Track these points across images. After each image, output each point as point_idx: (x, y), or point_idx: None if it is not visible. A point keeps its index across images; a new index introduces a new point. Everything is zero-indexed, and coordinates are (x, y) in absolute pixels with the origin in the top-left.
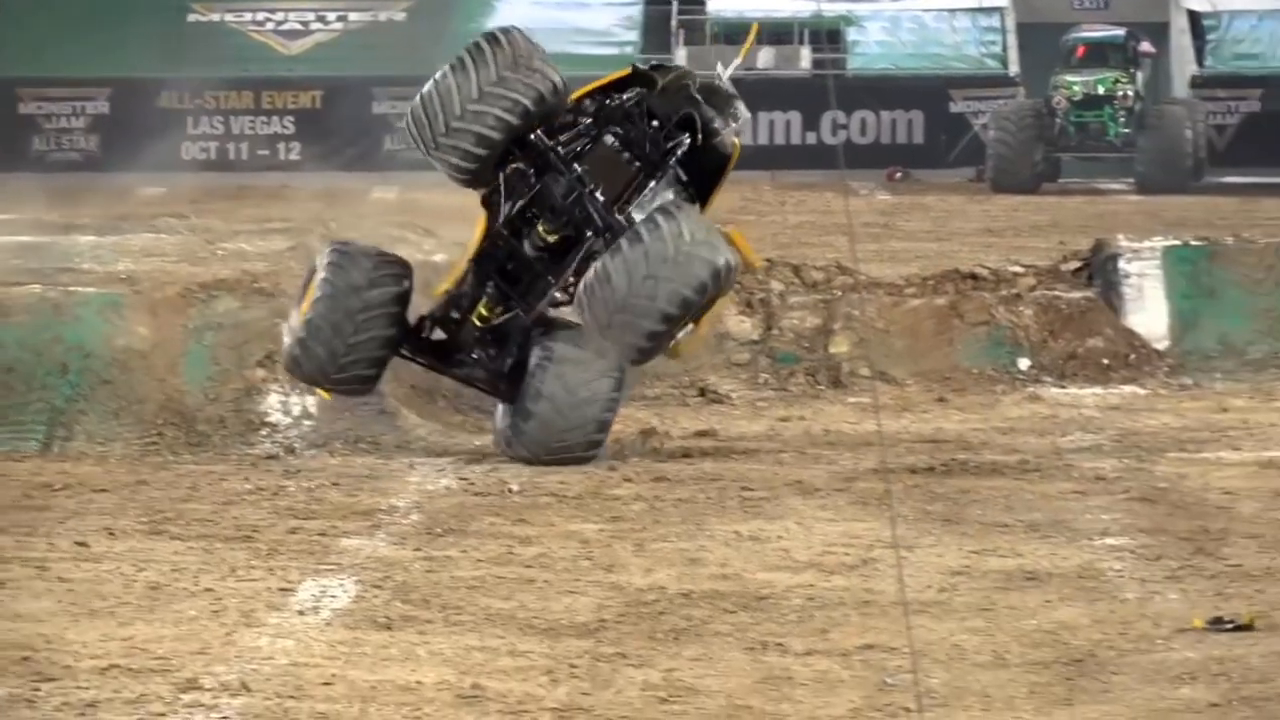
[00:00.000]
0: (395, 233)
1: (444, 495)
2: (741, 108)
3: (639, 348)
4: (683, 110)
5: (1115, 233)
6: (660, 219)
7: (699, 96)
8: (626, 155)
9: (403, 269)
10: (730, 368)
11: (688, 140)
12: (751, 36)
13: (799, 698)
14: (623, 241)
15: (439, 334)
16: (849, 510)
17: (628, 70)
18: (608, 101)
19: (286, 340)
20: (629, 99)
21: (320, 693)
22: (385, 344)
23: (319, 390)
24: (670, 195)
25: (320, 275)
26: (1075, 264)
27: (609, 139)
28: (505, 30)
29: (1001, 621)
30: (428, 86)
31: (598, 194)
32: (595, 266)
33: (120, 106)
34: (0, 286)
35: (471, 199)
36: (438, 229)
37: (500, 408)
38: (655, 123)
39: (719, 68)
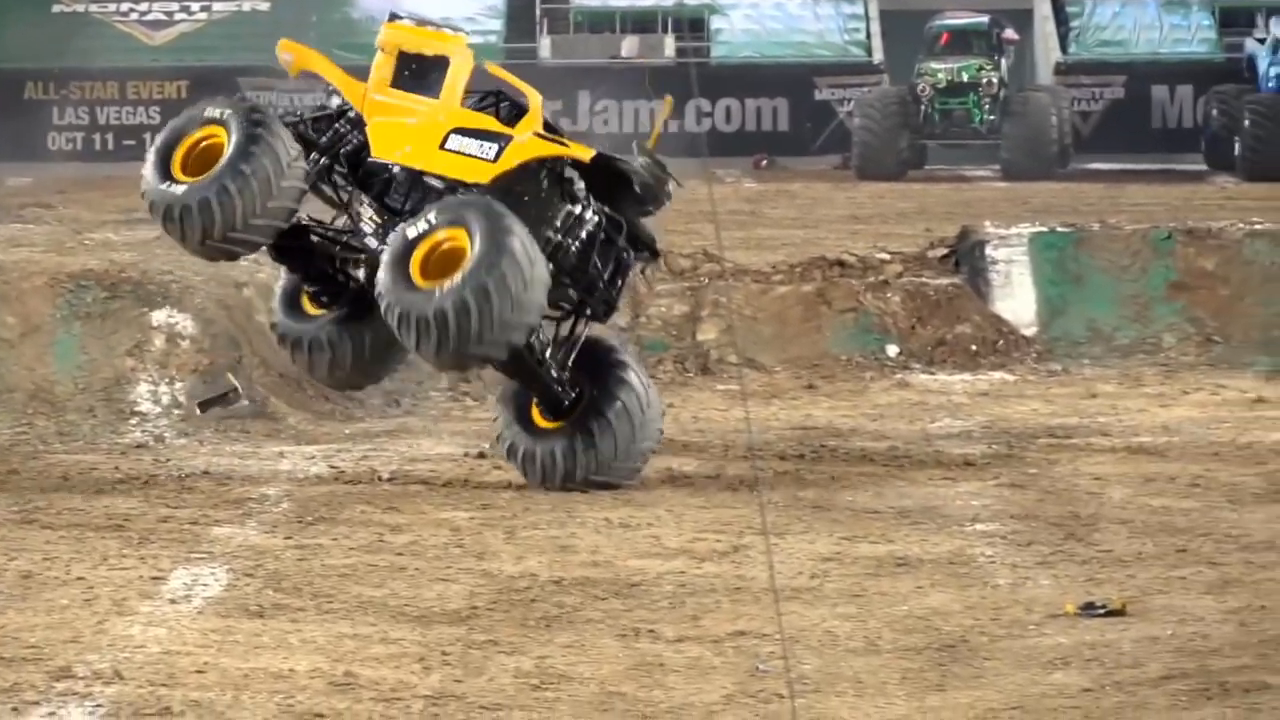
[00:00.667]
0: None
1: (314, 483)
2: (672, 186)
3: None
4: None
5: (982, 219)
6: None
7: (641, 197)
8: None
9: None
10: None
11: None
12: (666, 110)
13: (671, 684)
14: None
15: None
16: (719, 497)
17: (589, 154)
18: (576, 212)
19: (173, 191)
20: (597, 222)
21: (193, 680)
22: (288, 217)
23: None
24: None
25: (242, 135)
26: (942, 251)
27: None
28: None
29: (873, 608)
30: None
31: None
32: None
33: None
34: None
35: None
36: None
37: (513, 425)
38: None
39: (635, 152)
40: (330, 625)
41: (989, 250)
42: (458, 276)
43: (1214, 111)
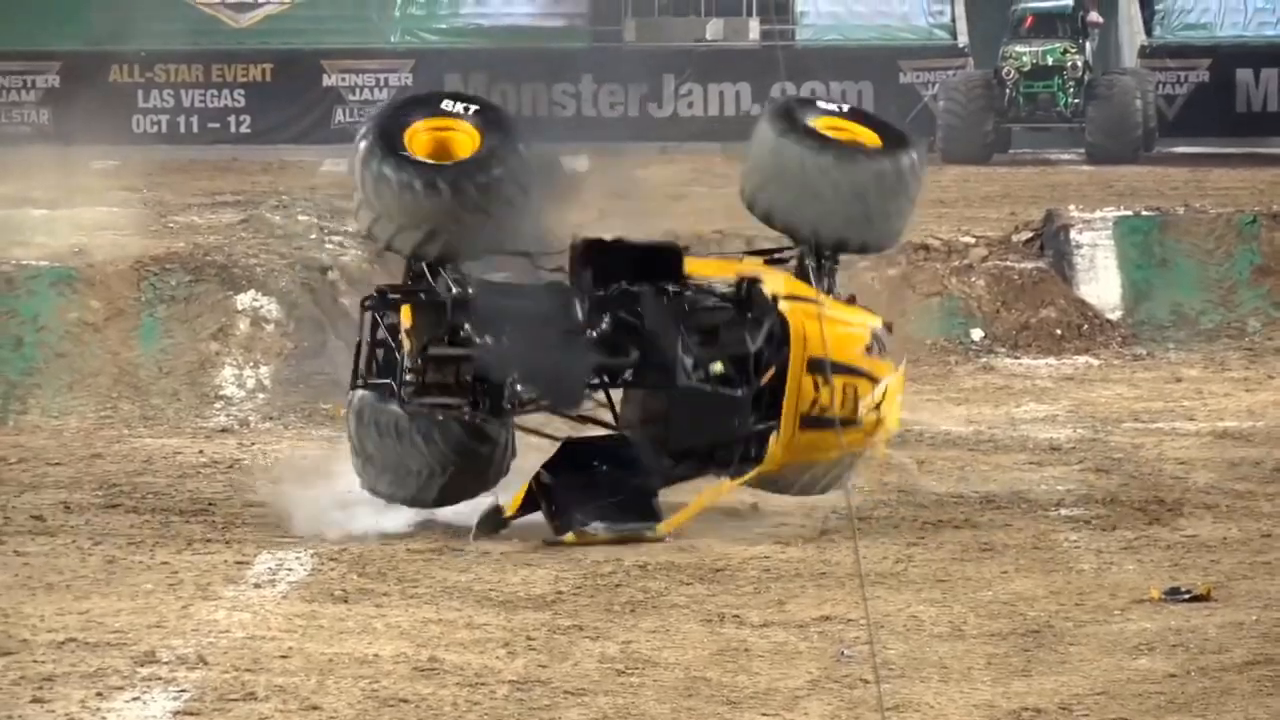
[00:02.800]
0: (348, 205)
1: None
2: None
3: None
4: None
5: (1066, 203)
6: None
7: None
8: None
9: None
10: None
11: None
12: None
13: (756, 669)
14: None
15: None
16: None
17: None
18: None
19: None
20: None
21: (277, 665)
22: None
23: None
24: None
25: None
26: (1027, 234)
27: None
28: None
29: (958, 593)
30: None
31: None
32: None
33: (71, 80)
34: None
35: None
36: None
37: None
38: None
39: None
40: (415, 610)
41: (1074, 234)
42: None
43: None
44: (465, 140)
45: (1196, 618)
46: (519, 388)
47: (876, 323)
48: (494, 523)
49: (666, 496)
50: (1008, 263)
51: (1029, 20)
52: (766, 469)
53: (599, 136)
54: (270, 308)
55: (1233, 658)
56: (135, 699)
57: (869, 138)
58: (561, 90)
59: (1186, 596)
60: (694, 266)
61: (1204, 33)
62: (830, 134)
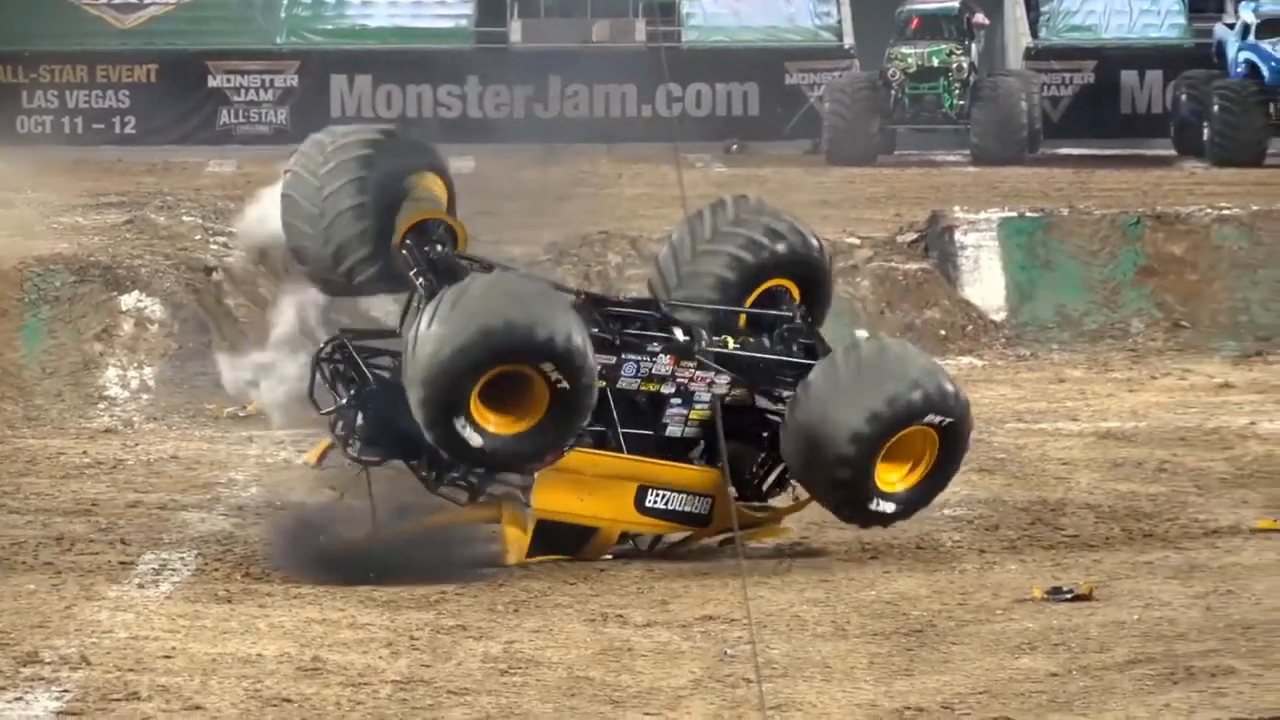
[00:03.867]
0: (232, 206)
1: (283, 468)
2: None
3: None
4: None
5: (951, 204)
6: None
7: None
8: None
9: None
10: None
11: None
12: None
13: (639, 669)
14: None
15: None
16: None
17: None
18: None
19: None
20: None
21: (161, 665)
22: None
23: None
24: None
25: None
26: (912, 236)
27: None
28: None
29: (841, 592)
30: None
31: None
32: None
33: None
34: None
35: None
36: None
37: None
38: None
39: None
40: (298, 610)
41: (958, 235)
42: None
43: (1183, 97)
44: None
45: (1078, 617)
46: None
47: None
48: None
49: None
50: (892, 264)
51: (915, 22)
52: None
53: (485, 138)
54: (154, 308)
55: (1114, 656)
56: (17, 699)
57: None
58: (447, 92)
59: (1069, 596)
60: None
61: (1089, 35)
62: None
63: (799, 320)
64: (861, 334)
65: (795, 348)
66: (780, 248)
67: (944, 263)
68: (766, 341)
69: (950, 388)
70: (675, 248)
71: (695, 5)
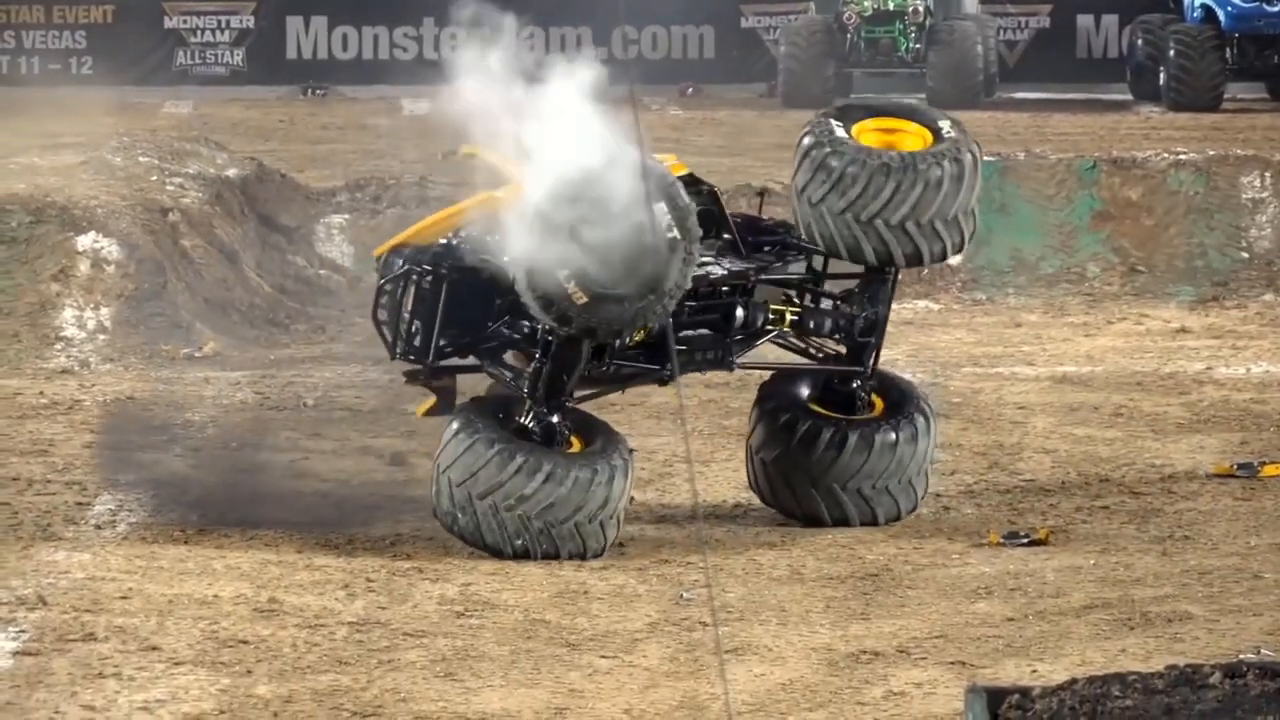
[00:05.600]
0: (189, 147)
1: (239, 409)
2: None
3: None
4: None
5: None
6: None
7: None
8: None
9: None
10: None
11: None
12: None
13: (595, 612)
14: None
15: None
16: (644, 425)
17: None
18: None
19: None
20: None
21: (118, 606)
22: None
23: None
24: None
25: None
26: None
27: None
28: None
29: (797, 536)
30: None
31: None
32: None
33: None
34: None
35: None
36: (230, 143)
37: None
38: None
39: None
40: (255, 552)
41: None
42: None
43: (1139, 41)
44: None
45: (1034, 562)
46: None
47: None
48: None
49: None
50: None
51: None
52: None
53: (441, 80)
54: (111, 249)
55: (1070, 601)
56: None
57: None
58: (403, 33)
59: (1025, 541)
60: None
61: None
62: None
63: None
64: None
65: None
66: None
67: None
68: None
69: None
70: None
71: None
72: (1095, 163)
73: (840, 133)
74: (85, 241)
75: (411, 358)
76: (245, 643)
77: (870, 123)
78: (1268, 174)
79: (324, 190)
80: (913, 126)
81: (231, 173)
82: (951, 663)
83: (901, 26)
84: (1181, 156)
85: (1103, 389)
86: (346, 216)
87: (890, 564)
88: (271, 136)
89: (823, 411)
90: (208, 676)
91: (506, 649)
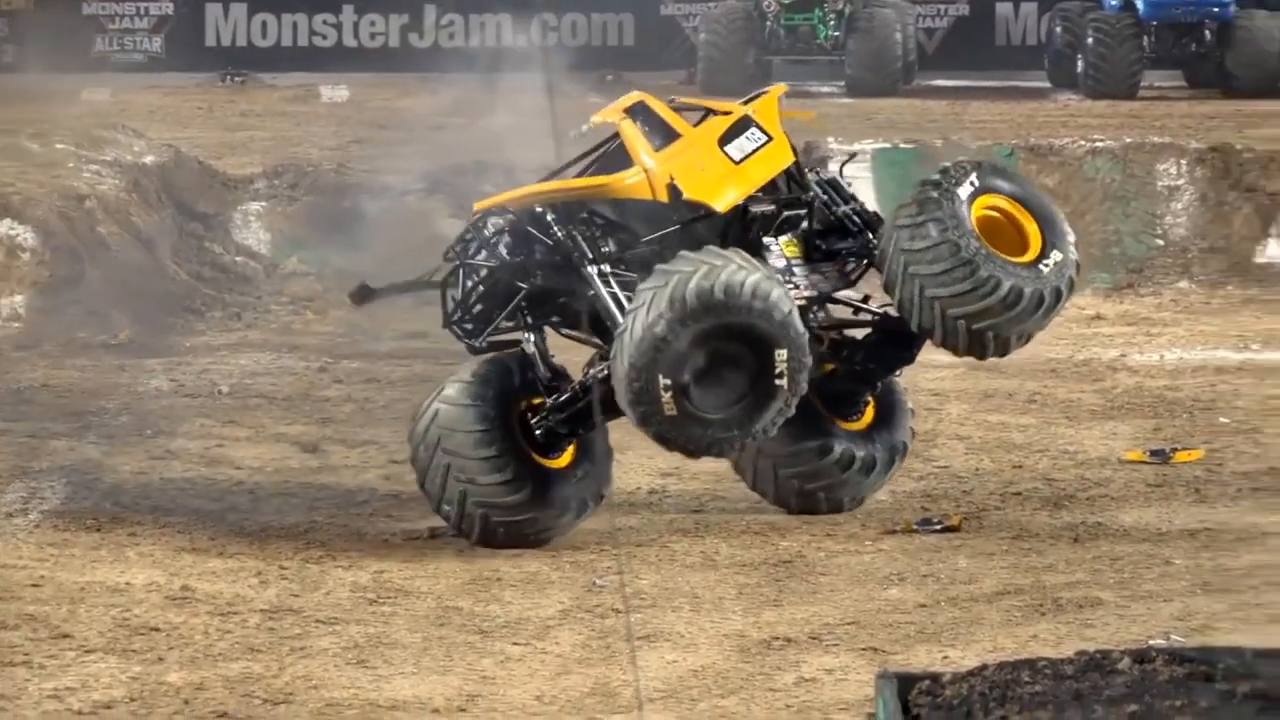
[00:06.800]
0: (106, 134)
1: (154, 396)
2: None
3: None
4: None
5: (825, 135)
6: None
7: None
8: None
9: None
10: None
11: None
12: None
13: (508, 599)
14: None
15: None
16: None
17: None
18: None
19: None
20: None
21: (29, 594)
22: None
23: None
24: None
25: None
26: None
27: None
28: None
29: (710, 523)
30: None
31: None
32: None
33: None
34: None
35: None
36: (148, 130)
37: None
38: None
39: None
40: (168, 539)
41: (832, 166)
42: None
43: (1058, 29)
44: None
45: (947, 548)
46: None
47: None
48: (363, 295)
49: None
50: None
51: None
52: None
53: (360, 67)
54: (26, 236)
55: (982, 588)
56: None
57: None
58: (322, 20)
59: (938, 527)
60: None
61: None
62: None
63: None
64: None
65: None
66: None
67: None
68: None
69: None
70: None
71: None
72: (1013, 150)
73: (962, 198)
74: (1, 229)
75: (462, 334)
76: (157, 630)
77: (1001, 200)
78: (1184, 162)
79: (242, 177)
80: (1033, 228)
81: (149, 160)
82: (863, 649)
83: (821, 14)
84: (1098, 144)
85: (1017, 376)
86: (264, 204)
87: (803, 551)
88: (190, 123)
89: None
90: (119, 664)
91: (419, 636)
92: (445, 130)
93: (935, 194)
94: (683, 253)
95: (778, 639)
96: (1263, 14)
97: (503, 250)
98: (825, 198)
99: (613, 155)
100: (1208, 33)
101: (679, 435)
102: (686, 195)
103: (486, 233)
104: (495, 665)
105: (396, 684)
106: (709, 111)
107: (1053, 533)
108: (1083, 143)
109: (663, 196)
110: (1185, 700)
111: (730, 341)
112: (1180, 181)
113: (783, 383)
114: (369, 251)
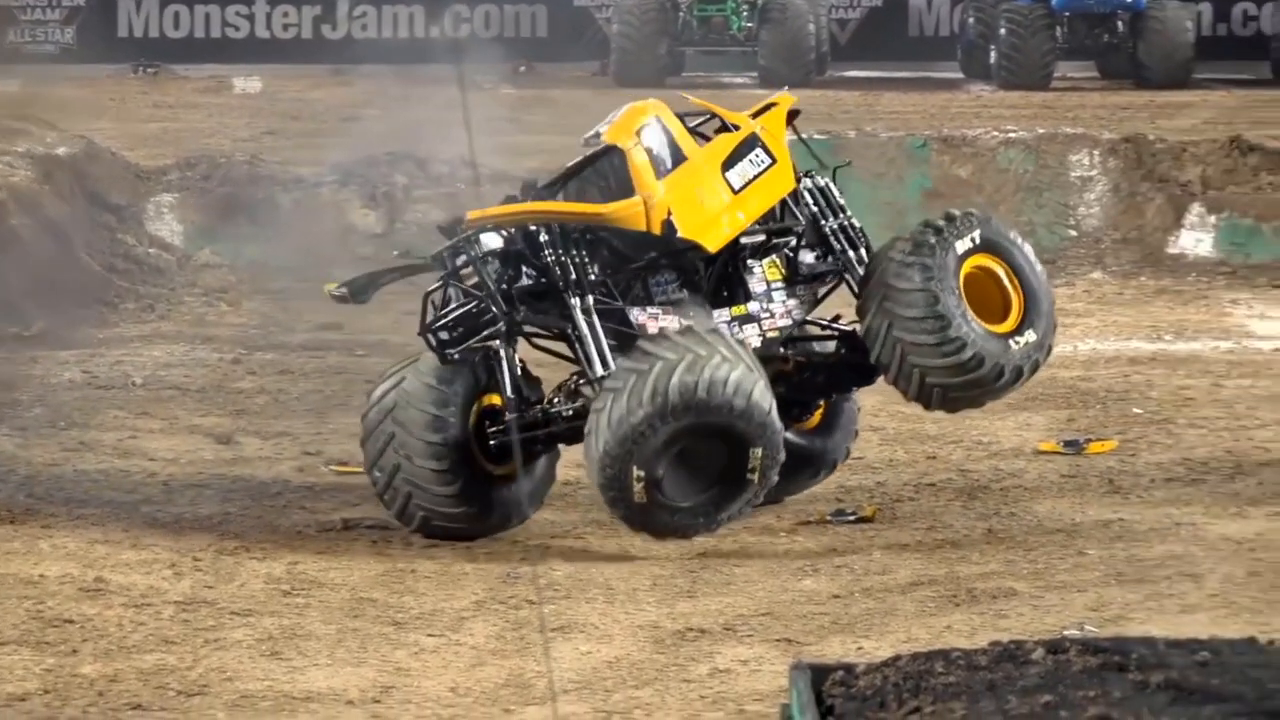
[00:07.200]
0: (17, 125)
1: (67, 388)
2: None
3: None
4: None
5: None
6: None
7: None
8: None
9: None
10: (355, 260)
11: None
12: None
13: (422, 590)
14: None
15: None
16: None
17: None
18: None
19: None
20: None
21: None
22: None
23: None
24: None
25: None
26: None
27: None
28: None
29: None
30: None
31: None
32: None
33: None
34: None
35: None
36: (60, 121)
37: None
38: None
39: None
40: (82, 531)
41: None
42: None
43: (970, 20)
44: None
45: (861, 539)
46: None
47: None
48: (360, 290)
49: None
50: None
51: None
52: None
53: (273, 58)
54: None
55: (896, 579)
56: None
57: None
58: (235, 12)
59: (852, 518)
60: None
61: None
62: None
63: None
64: None
65: None
66: None
67: None
68: None
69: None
70: None
71: None
72: (926, 141)
73: (958, 251)
74: None
75: (435, 344)
76: (71, 622)
77: (995, 264)
78: (1096, 152)
79: (154, 169)
80: (1018, 300)
81: (61, 151)
82: (777, 640)
83: (734, 4)
84: (1011, 135)
85: None
86: (177, 195)
87: (718, 542)
88: (102, 115)
89: None
90: (32, 656)
91: (333, 628)
92: (358, 121)
93: (933, 240)
94: (667, 332)
95: (692, 630)
96: (1174, 5)
97: (490, 273)
98: (815, 209)
99: (614, 168)
100: (1120, 24)
101: (646, 521)
102: (681, 234)
103: (477, 251)
104: (409, 657)
105: (311, 675)
106: (721, 125)
107: (967, 524)
108: (996, 134)
109: (657, 230)
110: (1099, 690)
111: (707, 436)
112: (1093, 172)
113: (754, 478)
114: (282, 243)
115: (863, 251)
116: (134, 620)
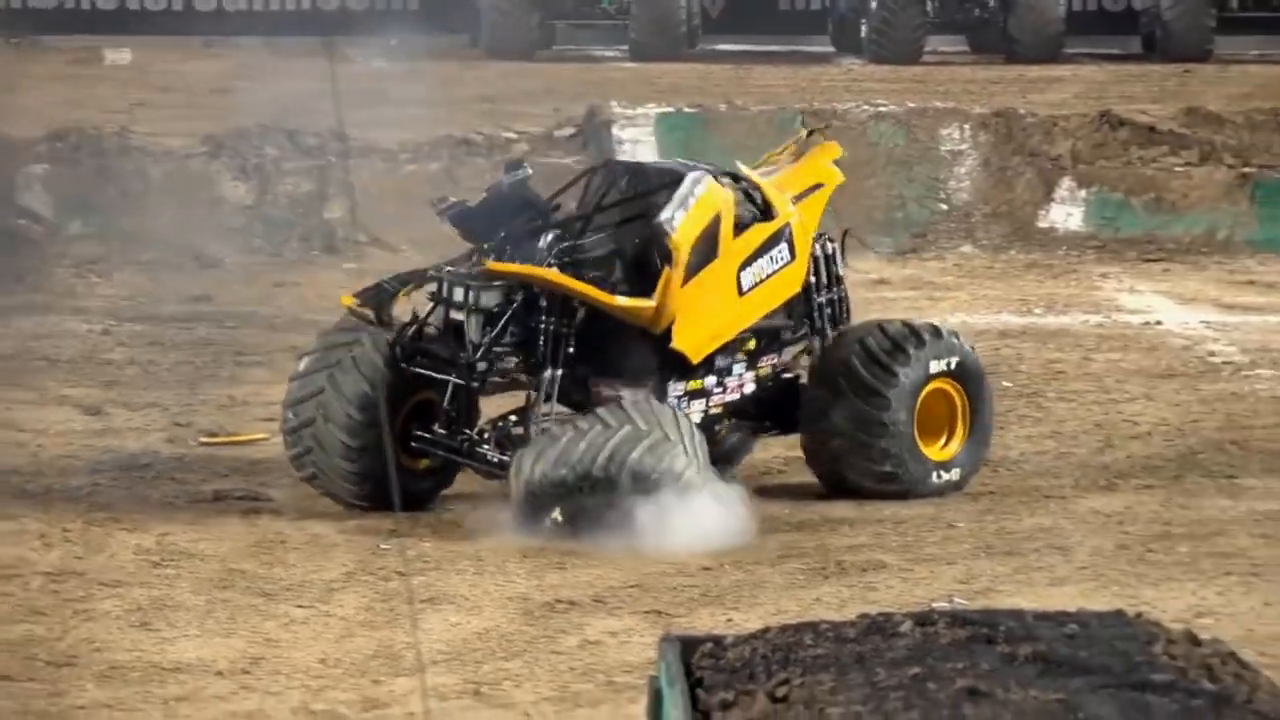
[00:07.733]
0: None
1: None
2: None
3: None
4: None
5: (609, 99)
6: None
7: None
8: None
9: None
10: (225, 232)
11: None
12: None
13: (292, 561)
14: None
15: None
16: None
17: None
18: None
19: None
20: None
21: None
22: None
23: None
24: None
25: None
26: (570, 130)
27: None
28: None
29: (494, 487)
30: None
31: None
32: None
33: None
34: None
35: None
36: None
37: None
38: None
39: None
40: None
41: (615, 130)
42: None
43: None
44: None
45: None
46: None
47: None
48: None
49: None
50: (550, 159)
51: None
52: None
53: (143, 30)
54: None
55: (766, 551)
56: None
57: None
58: None
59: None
60: None
61: None
62: None
63: None
64: None
65: None
66: None
67: (601, 157)
68: None
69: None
70: None
71: None
72: (797, 115)
73: (931, 371)
74: None
75: (396, 353)
76: None
77: (957, 394)
78: (967, 126)
79: (24, 140)
80: (961, 433)
81: None
82: (647, 612)
83: None
84: (882, 109)
85: None
86: (46, 167)
87: None
88: None
89: None
90: None
91: (203, 599)
92: (229, 94)
93: (911, 350)
94: (622, 402)
95: (561, 602)
96: None
97: (474, 325)
98: (813, 278)
99: (654, 248)
100: None
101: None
102: (673, 344)
103: (473, 299)
104: (279, 628)
105: (180, 646)
106: (764, 204)
107: (836, 497)
108: (866, 107)
109: (656, 332)
110: (967, 663)
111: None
112: (963, 146)
113: None
114: (152, 215)
115: (842, 327)
116: (2, 591)
